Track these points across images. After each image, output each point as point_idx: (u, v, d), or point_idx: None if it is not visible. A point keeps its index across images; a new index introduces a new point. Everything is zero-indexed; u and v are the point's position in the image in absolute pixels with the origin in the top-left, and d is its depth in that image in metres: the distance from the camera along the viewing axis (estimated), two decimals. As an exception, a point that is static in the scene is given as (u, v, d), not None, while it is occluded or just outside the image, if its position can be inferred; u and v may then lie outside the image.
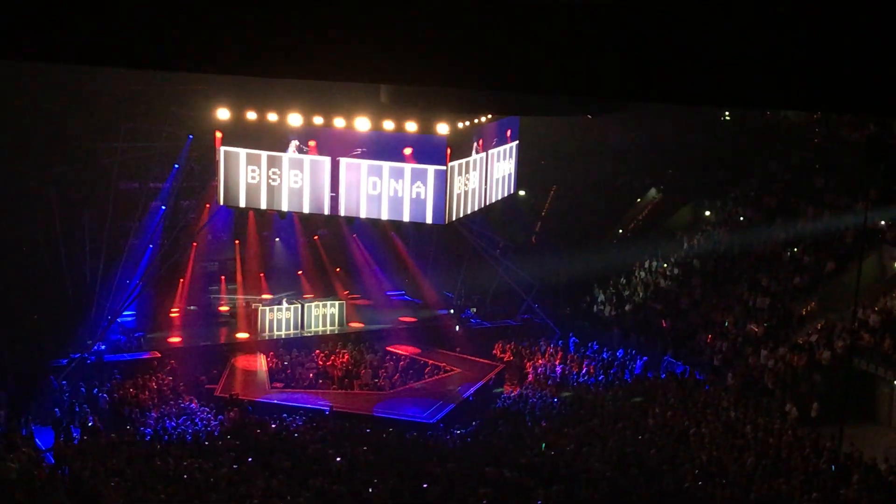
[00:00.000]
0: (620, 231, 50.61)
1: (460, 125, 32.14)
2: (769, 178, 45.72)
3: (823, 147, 44.99)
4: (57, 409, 33.36)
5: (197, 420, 33.50)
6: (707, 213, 47.45)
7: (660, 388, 35.74)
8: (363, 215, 32.73)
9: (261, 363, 39.66)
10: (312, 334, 42.66)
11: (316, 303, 43.80)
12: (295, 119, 32.04)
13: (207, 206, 42.19)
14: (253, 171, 32.63)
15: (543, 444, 31.22)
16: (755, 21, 4.20)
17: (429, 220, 32.24)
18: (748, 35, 4.25)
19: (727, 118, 49.65)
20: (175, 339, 41.19)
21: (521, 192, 44.86)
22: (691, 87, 4.58)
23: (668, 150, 49.02)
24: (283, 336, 42.22)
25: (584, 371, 39.45)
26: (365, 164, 31.89)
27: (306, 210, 33.08)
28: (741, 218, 44.98)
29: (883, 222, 38.05)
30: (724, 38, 4.25)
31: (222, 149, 32.74)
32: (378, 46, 4.66)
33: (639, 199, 51.86)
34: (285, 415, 34.53)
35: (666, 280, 43.61)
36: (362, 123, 31.70)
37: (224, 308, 44.97)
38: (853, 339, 33.66)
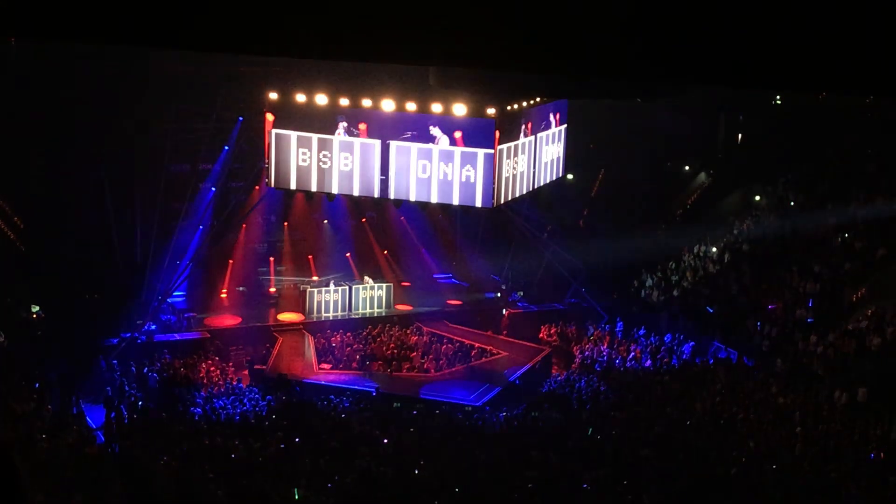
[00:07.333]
0: (669, 215, 50.26)
1: (508, 108, 31.95)
2: (821, 163, 45.17)
3: (876, 131, 44.35)
4: (108, 388, 33.75)
5: (245, 400, 33.73)
6: (757, 197, 46.96)
7: (708, 374, 35.55)
8: (413, 198, 32.59)
9: (308, 344, 39.84)
10: (360, 316, 42.83)
11: (363, 285, 43.93)
12: (344, 102, 31.98)
13: (257, 188, 42.35)
14: (304, 153, 32.58)
15: (590, 429, 31.20)
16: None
17: (478, 204, 31.99)
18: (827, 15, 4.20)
19: (778, 102, 49.11)
20: (224, 320, 41.51)
21: (570, 176, 44.63)
22: (753, 70, 4.53)
23: (718, 134, 48.62)
24: (331, 318, 42.42)
25: (631, 356, 39.27)
26: (415, 147, 31.73)
27: (356, 193, 32.95)
28: (791, 203, 44.50)
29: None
30: (796, 20, 4.20)
31: (273, 131, 32.72)
32: (427, 27, 4.65)
33: (688, 184, 51.48)
34: (332, 396, 34.69)
35: (715, 265, 43.25)
36: (411, 106, 31.60)
37: (272, 289, 45.18)
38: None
